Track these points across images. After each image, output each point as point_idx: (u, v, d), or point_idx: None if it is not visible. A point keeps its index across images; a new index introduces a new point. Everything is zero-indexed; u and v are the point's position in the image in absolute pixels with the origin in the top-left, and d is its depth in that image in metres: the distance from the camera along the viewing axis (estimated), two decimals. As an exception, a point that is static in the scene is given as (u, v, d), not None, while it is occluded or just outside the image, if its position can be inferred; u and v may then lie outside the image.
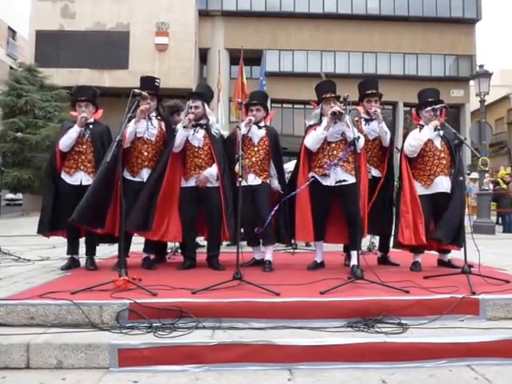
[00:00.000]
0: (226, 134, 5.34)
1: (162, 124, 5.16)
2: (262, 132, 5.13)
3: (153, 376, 2.97)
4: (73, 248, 5.14)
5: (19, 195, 23.75)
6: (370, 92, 5.19)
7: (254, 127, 5.07)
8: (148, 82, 5.15)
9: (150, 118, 5.02)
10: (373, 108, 5.04)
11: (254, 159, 5.04)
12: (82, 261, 5.24)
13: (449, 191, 4.93)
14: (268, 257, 5.09)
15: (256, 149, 5.08)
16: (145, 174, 4.99)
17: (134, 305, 3.46)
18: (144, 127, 4.96)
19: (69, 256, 5.17)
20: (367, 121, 5.20)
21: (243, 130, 4.80)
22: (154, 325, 3.35)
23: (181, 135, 4.97)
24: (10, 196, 27.70)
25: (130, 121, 4.70)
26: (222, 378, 2.95)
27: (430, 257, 5.34)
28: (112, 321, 3.44)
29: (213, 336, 3.23)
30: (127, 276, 3.91)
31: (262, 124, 5.18)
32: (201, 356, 3.08)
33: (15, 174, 18.50)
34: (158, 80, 5.22)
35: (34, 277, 4.69)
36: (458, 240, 4.76)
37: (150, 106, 4.95)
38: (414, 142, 4.90)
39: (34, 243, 7.34)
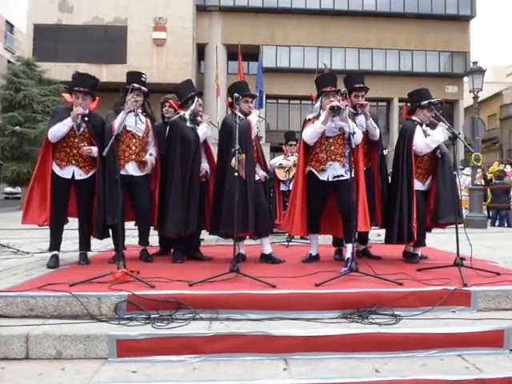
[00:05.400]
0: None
1: (148, 121, 5.15)
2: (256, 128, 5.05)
3: (151, 366, 3.01)
4: (56, 242, 4.93)
5: (18, 189, 23.76)
6: (358, 86, 5.10)
7: None
8: (135, 78, 5.06)
9: (137, 114, 4.97)
10: (360, 101, 5.01)
11: (255, 155, 4.98)
12: (73, 256, 5.25)
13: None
14: (268, 249, 5.09)
15: (253, 143, 5.01)
16: (130, 168, 4.98)
17: (132, 297, 3.50)
18: (133, 121, 4.95)
19: (52, 253, 4.92)
20: (353, 115, 5.09)
21: (255, 122, 4.80)
22: (151, 316, 3.40)
23: (205, 134, 5.08)
24: (8, 189, 27.83)
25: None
26: (218, 367, 3.00)
27: (425, 250, 5.37)
28: (110, 312, 3.48)
29: (210, 327, 3.28)
30: (125, 268, 3.95)
31: None
32: (198, 346, 3.13)
33: (14, 168, 18.55)
34: (144, 75, 5.15)
35: (33, 269, 4.71)
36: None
37: (138, 100, 4.90)
38: (433, 143, 4.87)
39: (33, 236, 7.37)
